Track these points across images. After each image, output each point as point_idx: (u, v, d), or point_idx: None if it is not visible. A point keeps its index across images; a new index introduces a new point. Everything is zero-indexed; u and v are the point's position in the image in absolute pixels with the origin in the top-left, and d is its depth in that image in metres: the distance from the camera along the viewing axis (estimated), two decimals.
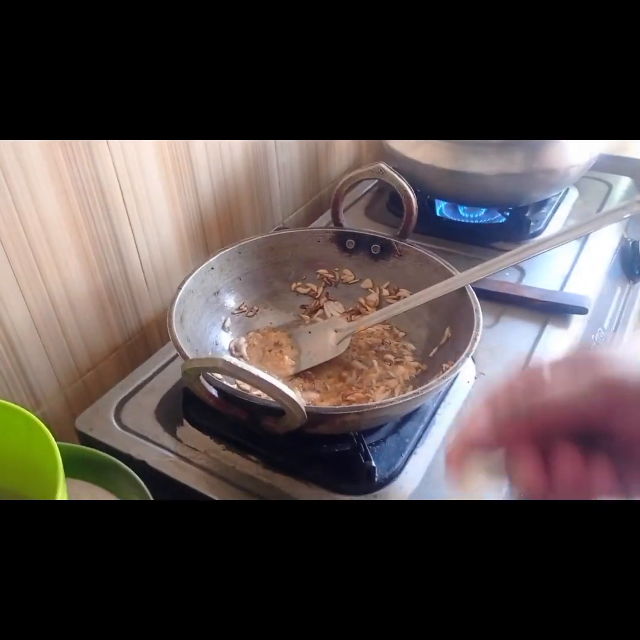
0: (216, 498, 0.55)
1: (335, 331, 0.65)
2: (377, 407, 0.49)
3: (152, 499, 0.53)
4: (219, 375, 0.55)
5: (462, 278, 0.61)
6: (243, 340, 0.69)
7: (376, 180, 1.04)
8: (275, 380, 0.44)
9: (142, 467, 0.58)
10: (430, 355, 0.64)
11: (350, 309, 0.73)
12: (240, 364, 0.43)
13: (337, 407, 0.55)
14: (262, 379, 0.44)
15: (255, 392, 0.54)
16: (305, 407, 0.47)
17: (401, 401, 0.50)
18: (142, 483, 0.54)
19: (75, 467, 0.56)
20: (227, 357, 0.43)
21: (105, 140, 0.66)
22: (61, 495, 0.45)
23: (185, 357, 0.52)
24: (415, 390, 0.51)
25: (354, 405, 0.52)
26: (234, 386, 0.53)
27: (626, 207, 0.55)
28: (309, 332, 0.67)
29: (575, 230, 0.59)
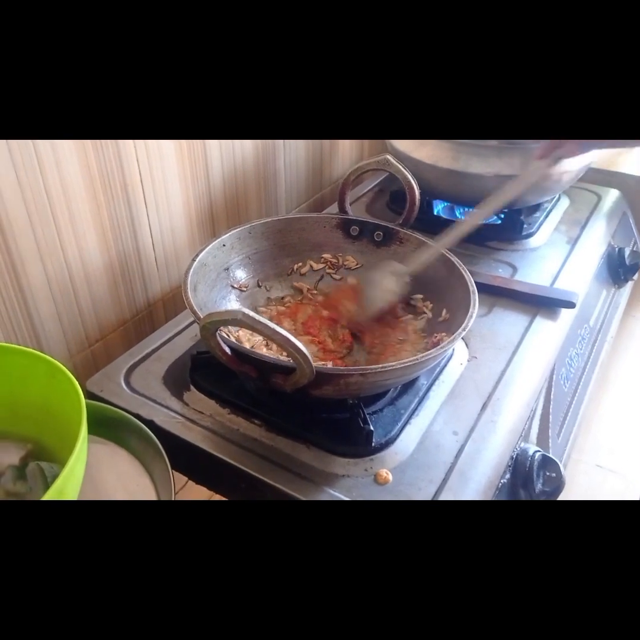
0: (221, 456, 0.58)
1: (392, 274, 0.69)
2: (379, 369, 0.52)
3: (165, 454, 0.56)
4: (231, 337, 0.58)
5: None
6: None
7: (378, 181, 1.09)
8: (289, 334, 0.47)
9: (149, 427, 0.60)
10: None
11: None
12: (258, 317, 0.47)
13: (342, 367, 0.58)
14: (277, 332, 0.47)
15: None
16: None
17: (401, 365, 0.53)
18: (155, 438, 0.57)
19: (89, 424, 0.59)
20: (245, 310, 0.47)
21: None
22: (83, 438, 0.47)
23: (198, 317, 0.55)
24: (415, 357, 0.54)
25: (358, 367, 0.55)
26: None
27: None
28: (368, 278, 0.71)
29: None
